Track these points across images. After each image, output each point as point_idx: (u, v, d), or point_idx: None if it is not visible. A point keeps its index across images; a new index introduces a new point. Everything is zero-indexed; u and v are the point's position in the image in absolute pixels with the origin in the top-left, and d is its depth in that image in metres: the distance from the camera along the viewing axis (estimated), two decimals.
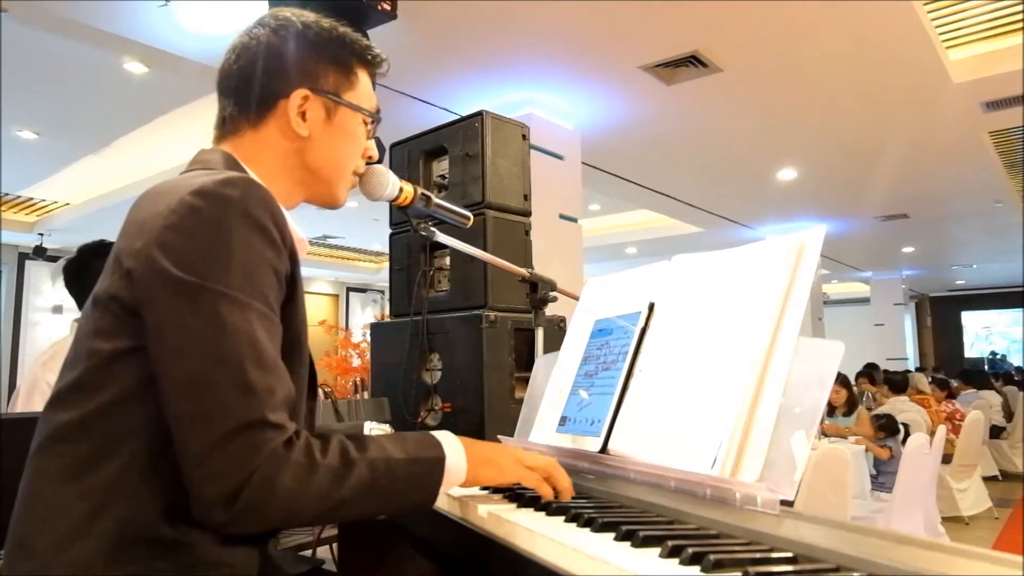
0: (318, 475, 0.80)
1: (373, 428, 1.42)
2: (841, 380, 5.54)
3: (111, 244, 2.47)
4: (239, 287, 0.83)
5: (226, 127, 1.07)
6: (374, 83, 1.18)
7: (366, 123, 1.14)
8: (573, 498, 0.97)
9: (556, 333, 1.90)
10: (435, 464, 0.90)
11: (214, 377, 0.79)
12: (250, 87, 1.04)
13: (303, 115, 1.05)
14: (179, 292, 0.81)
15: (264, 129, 1.05)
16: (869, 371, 8.02)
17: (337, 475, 0.82)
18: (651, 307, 1.16)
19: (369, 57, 1.13)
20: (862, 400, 6.57)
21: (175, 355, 0.81)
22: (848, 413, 5.26)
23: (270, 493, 0.77)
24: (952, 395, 7.31)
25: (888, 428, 4.77)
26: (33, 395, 2.16)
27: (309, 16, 1.09)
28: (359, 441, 0.87)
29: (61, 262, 2.31)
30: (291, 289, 0.92)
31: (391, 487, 0.86)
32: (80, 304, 2.29)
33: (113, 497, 0.82)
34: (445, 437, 0.94)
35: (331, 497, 0.81)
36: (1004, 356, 16.62)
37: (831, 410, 5.38)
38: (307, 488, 0.79)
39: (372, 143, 1.18)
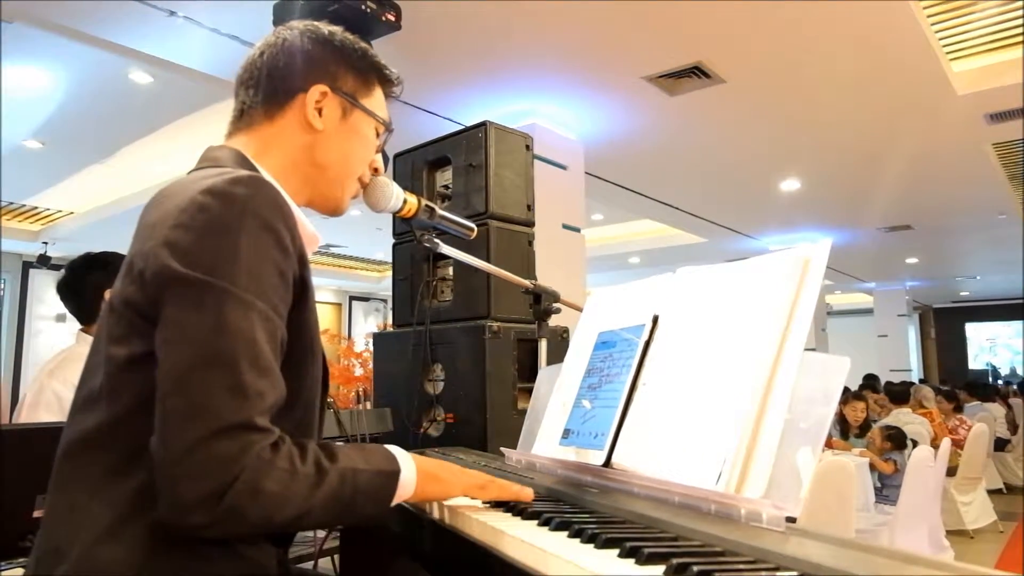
0: (297, 482, 0.80)
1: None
2: (861, 398, 5.44)
3: (99, 255, 2.46)
4: (244, 286, 0.82)
5: (242, 120, 1.09)
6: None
7: (378, 132, 1.17)
8: (576, 512, 0.96)
9: (559, 344, 1.90)
10: (392, 477, 0.90)
11: (206, 375, 0.78)
12: (272, 79, 1.07)
13: (320, 110, 1.08)
14: (183, 288, 0.81)
15: (280, 121, 1.07)
16: (871, 383, 7.95)
17: (312, 483, 0.81)
18: (655, 319, 1.15)
19: (387, 73, 1.17)
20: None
21: (171, 349, 0.80)
22: (861, 435, 5.09)
23: (255, 497, 0.76)
24: (959, 408, 7.17)
25: (896, 440, 4.71)
26: (39, 403, 2.14)
27: (337, 28, 1.14)
28: (328, 450, 0.86)
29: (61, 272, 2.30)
30: (301, 291, 0.92)
31: (352, 498, 0.86)
32: (79, 318, 2.28)
33: (143, 503, 0.81)
34: (398, 452, 0.94)
35: (304, 505, 0.81)
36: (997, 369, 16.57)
37: (846, 429, 5.21)
38: (287, 494, 0.79)
39: (379, 156, 1.20)
